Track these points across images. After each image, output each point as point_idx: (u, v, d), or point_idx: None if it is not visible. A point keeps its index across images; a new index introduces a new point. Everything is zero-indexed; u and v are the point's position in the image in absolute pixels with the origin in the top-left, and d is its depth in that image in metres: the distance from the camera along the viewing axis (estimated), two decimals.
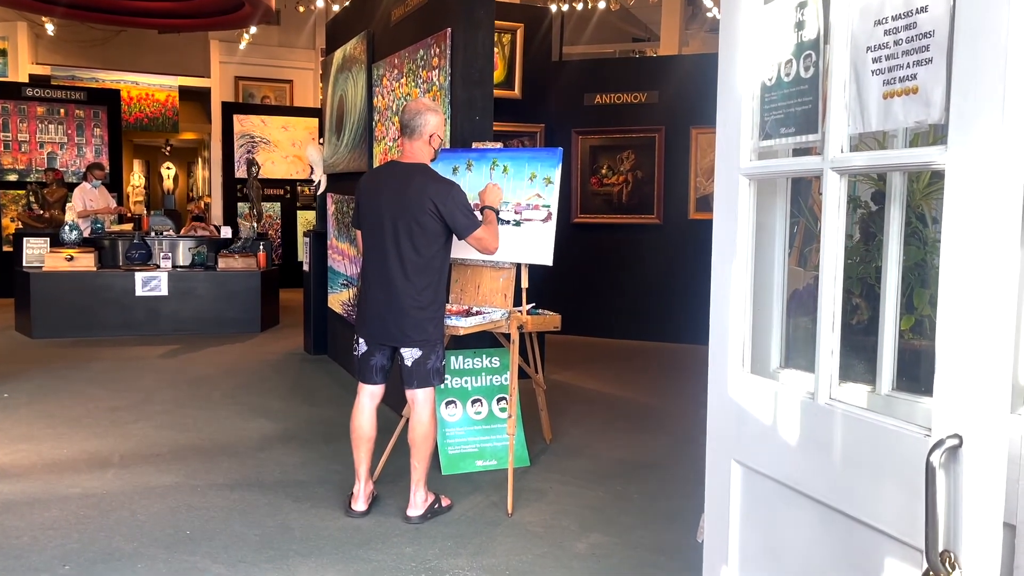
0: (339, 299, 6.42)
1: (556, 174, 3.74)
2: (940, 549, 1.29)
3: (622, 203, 8.00)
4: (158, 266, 7.95)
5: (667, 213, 7.85)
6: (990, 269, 1.23)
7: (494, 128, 4.43)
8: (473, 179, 3.93)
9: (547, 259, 3.73)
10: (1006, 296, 1.23)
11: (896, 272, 1.66)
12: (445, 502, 3.59)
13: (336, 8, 9.39)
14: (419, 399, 3.42)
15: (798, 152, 1.81)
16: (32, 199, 9.95)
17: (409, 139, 3.41)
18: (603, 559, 3.17)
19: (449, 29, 4.29)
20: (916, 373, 1.81)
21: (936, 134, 1.59)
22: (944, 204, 1.32)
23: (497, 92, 4.73)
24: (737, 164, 1.78)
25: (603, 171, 8.03)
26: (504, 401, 4.27)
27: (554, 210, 3.74)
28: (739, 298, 1.80)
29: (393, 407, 4.43)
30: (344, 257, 6.26)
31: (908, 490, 1.38)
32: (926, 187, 1.90)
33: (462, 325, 3.61)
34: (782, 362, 1.90)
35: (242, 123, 11.98)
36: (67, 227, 7.91)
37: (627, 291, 7.93)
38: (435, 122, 3.39)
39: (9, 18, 12.17)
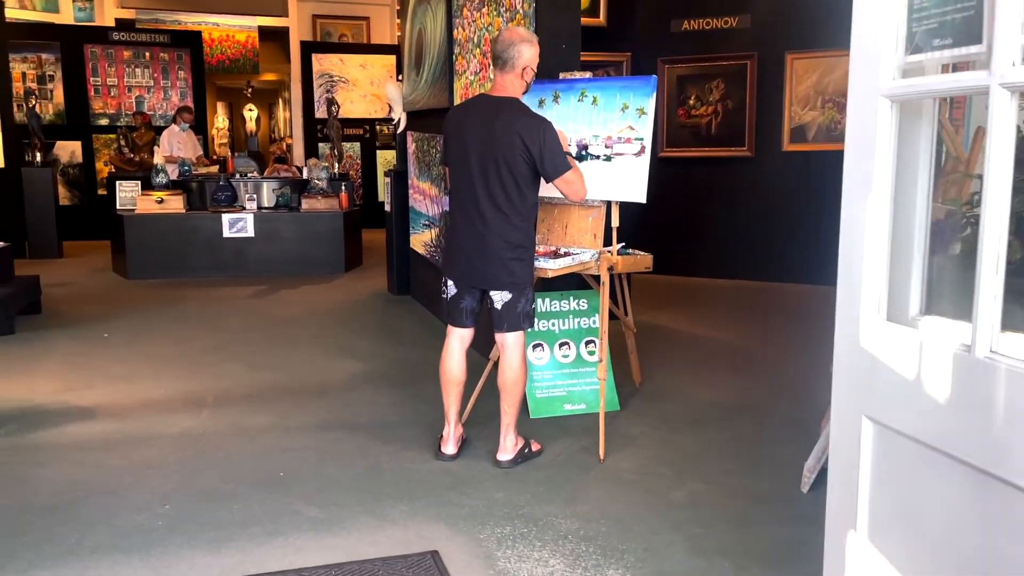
0: (421, 239, 6.36)
1: (650, 104, 3.52)
2: None
3: (711, 135, 7.65)
4: (244, 208, 8.04)
5: (759, 145, 7.47)
6: None
7: (580, 58, 4.20)
8: (560, 111, 3.73)
9: (640, 196, 3.53)
10: None
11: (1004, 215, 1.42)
12: (535, 447, 3.52)
13: None
14: (509, 343, 3.33)
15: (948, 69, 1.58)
16: (122, 143, 10.18)
17: (501, 71, 3.23)
18: (701, 508, 3.05)
19: None
20: None
21: None
22: None
23: (583, 20, 4.48)
24: (877, 84, 1.56)
25: (691, 102, 7.67)
26: (592, 344, 4.14)
27: (647, 143, 3.53)
28: (876, 238, 1.60)
29: (480, 350, 4.36)
30: (425, 197, 6.17)
31: None
32: None
33: (550, 267, 3.47)
34: (922, 308, 1.70)
35: (320, 62, 11.93)
36: (155, 170, 8.05)
37: (716, 228, 7.64)
38: (530, 54, 3.20)
39: None
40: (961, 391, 1.43)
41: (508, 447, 3.40)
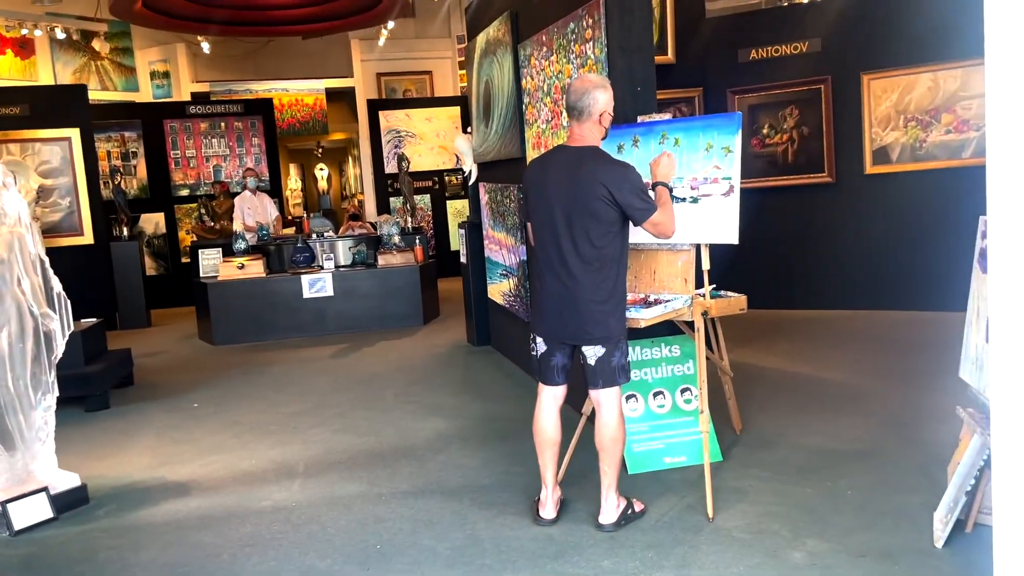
0: (499, 289, 6.29)
1: (736, 142, 3.38)
2: None
3: (788, 163, 7.43)
4: (322, 267, 8.13)
5: (840, 170, 7.21)
6: None
7: None
8: (640, 155, 3.62)
9: (733, 237, 3.38)
10: None
11: None
12: (638, 507, 3.35)
13: None
14: (604, 399, 3.19)
15: None
16: (203, 211, 10.49)
17: (578, 121, 3.14)
18: (826, 570, 2.83)
19: None
20: None
21: None
22: None
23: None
24: None
25: (764, 131, 7.48)
26: (688, 392, 3.96)
27: (736, 182, 3.38)
28: None
29: (572, 403, 4.22)
30: (501, 247, 6.11)
31: None
32: None
33: (643, 317, 3.33)
34: None
35: (387, 119, 12.14)
36: (235, 236, 8.24)
37: (802, 257, 7.37)
38: (605, 99, 3.11)
39: (169, 41, 12.89)
40: None
41: (610, 509, 3.24)
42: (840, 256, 7.22)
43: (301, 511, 3.65)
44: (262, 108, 11.69)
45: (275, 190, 11.52)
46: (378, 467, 4.15)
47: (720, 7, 11.77)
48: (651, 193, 3.18)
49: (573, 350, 3.24)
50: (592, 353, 3.14)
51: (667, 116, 3.70)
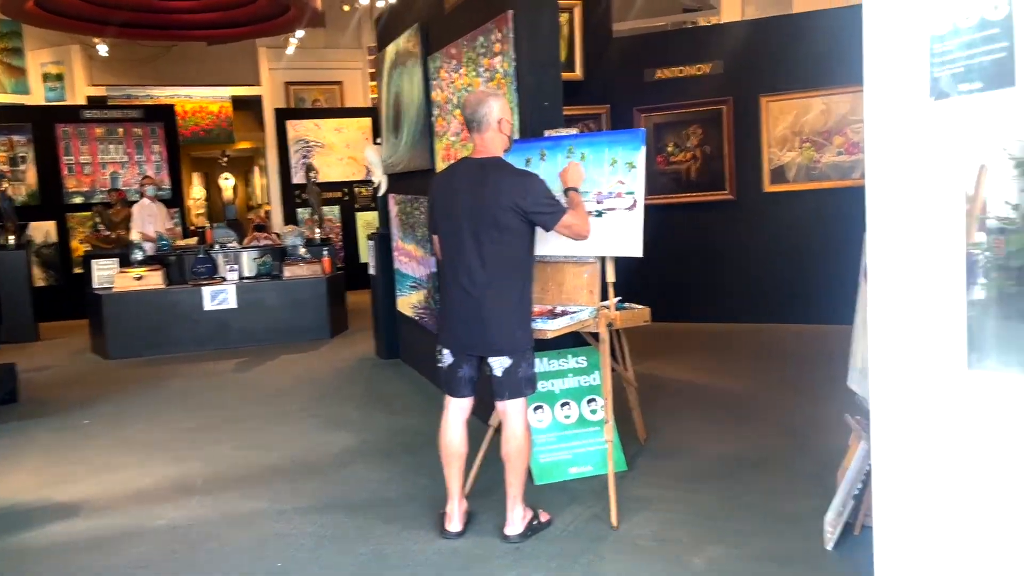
0: (409, 302, 6.24)
1: (639, 158, 3.46)
2: None
3: (691, 180, 7.65)
4: (224, 279, 7.89)
5: (740, 188, 7.48)
6: None
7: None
8: (547, 169, 3.65)
9: (637, 250, 3.45)
10: None
11: None
12: (544, 517, 3.36)
13: (381, 3, 9.21)
14: (511, 411, 3.19)
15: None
16: (98, 220, 10.03)
17: (478, 132, 3.16)
18: (725, 575, 2.90)
19: (511, 11, 4.03)
20: None
21: None
22: None
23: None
24: (905, 131, 1.49)
25: (669, 149, 7.69)
26: (594, 402, 4.02)
27: (640, 197, 3.46)
28: (917, 293, 1.51)
29: (479, 415, 4.22)
30: (411, 259, 6.07)
31: None
32: None
33: (550, 328, 3.36)
34: (967, 360, 1.60)
35: (295, 128, 11.93)
36: (133, 246, 7.91)
37: (703, 272, 7.59)
38: (499, 107, 3.14)
39: (63, 42, 12.31)
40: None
41: (516, 520, 3.24)
42: (740, 271, 7.48)
43: (199, 529, 3.51)
44: (163, 114, 11.31)
45: (176, 199, 11.13)
46: (280, 483, 4.04)
47: (628, 28, 12.08)
48: (562, 200, 3.22)
49: (480, 361, 3.24)
50: (499, 364, 3.15)
51: (574, 131, 3.76)
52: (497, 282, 3.09)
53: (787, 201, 7.30)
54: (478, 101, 3.15)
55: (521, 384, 3.17)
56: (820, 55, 6.98)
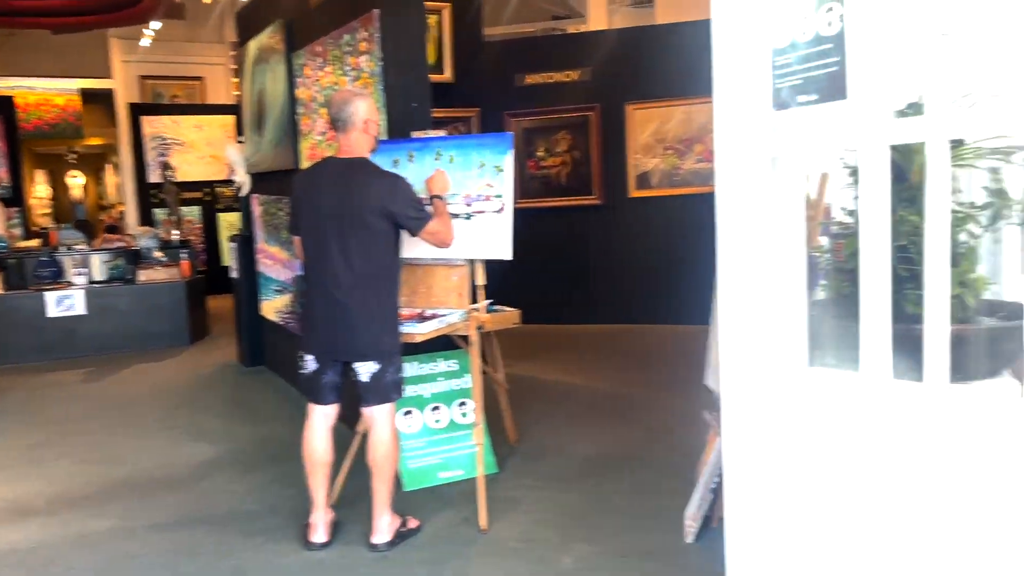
0: (273, 306, 6.03)
1: (507, 161, 3.48)
2: None
3: (561, 185, 7.78)
4: (71, 283, 7.38)
5: (607, 193, 7.67)
6: None
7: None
8: (415, 171, 3.62)
9: (506, 253, 3.46)
10: None
11: (943, 253, 1.45)
12: (413, 523, 3.32)
13: None
14: (378, 416, 3.13)
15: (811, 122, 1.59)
16: None
17: (343, 132, 3.09)
18: (591, 572, 2.95)
19: (376, 11, 3.96)
20: (959, 361, 1.63)
21: None
22: None
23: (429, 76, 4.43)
24: (748, 141, 1.56)
25: (539, 153, 7.79)
26: (465, 405, 4.00)
27: (508, 200, 3.47)
28: (761, 294, 1.58)
29: (346, 421, 4.12)
30: (276, 262, 5.87)
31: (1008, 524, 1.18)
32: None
33: (418, 332, 3.33)
34: (808, 359, 1.69)
35: (152, 124, 11.32)
36: None
37: (575, 275, 7.73)
38: (366, 107, 3.08)
39: None
40: (860, 442, 1.40)
41: (383, 528, 3.18)
42: (608, 274, 7.66)
43: (41, 553, 3.26)
44: (1, 107, 10.47)
45: (17, 198, 10.34)
46: (132, 499, 3.81)
47: (499, 32, 12.18)
48: (428, 208, 3.19)
49: (345, 367, 3.16)
50: (365, 369, 3.08)
51: (442, 133, 3.74)
52: (363, 285, 3.03)
53: (651, 206, 7.54)
54: (343, 100, 3.08)
55: (388, 389, 3.12)
56: (681, 65, 7.25)
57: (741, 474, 1.68)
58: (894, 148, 1.72)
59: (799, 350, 1.67)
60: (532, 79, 7.70)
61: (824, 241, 2.44)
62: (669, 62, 7.34)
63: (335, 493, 3.52)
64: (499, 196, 3.49)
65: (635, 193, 7.62)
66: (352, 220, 3.00)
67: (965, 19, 1.16)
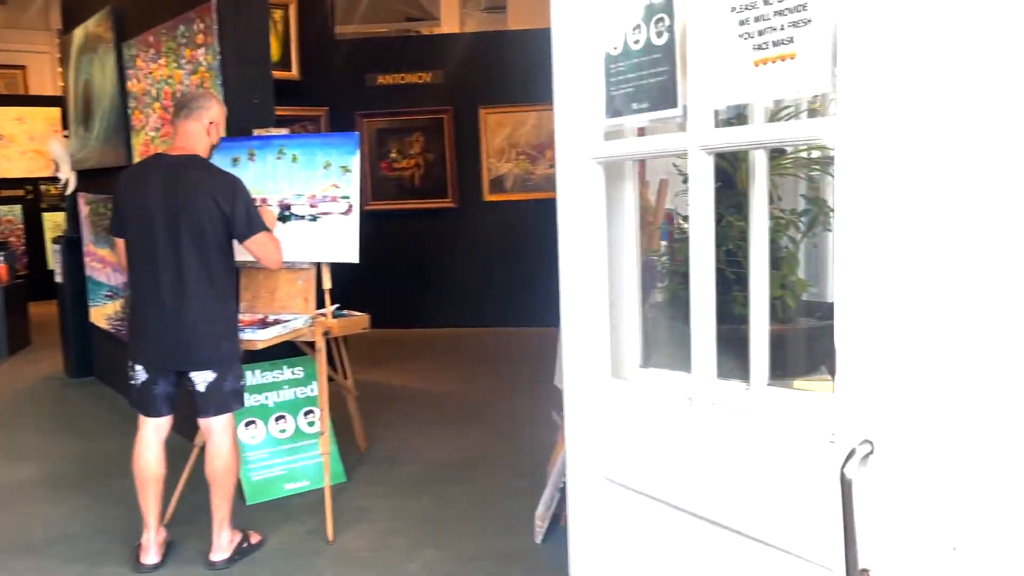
0: (103, 313, 5.63)
1: (354, 161, 3.40)
2: (859, 569, 1.17)
3: (415, 187, 7.72)
4: None
5: (462, 196, 7.67)
6: (890, 256, 1.10)
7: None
8: (257, 170, 3.48)
9: (352, 256, 3.38)
10: (916, 282, 1.10)
11: (765, 256, 1.52)
12: (254, 538, 3.17)
13: None
14: (216, 428, 2.97)
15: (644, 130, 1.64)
16: None
17: (185, 119, 2.94)
18: None
19: (214, 1, 3.77)
20: (779, 359, 1.71)
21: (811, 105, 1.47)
22: (835, 185, 1.18)
23: (274, 73, 4.26)
24: (584, 147, 1.58)
25: (392, 155, 7.70)
26: (312, 414, 3.88)
27: (355, 201, 3.39)
28: (598, 298, 1.60)
29: (183, 433, 3.89)
30: (106, 265, 5.49)
31: (811, 502, 1.24)
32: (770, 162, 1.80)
33: (259, 338, 3.18)
34: (643, 361, 1.73)
35: None
36: None
37: (428, 278, 7.69)
38: (218, 111, 3.00)
39: None
40: (687, 444, 1.45)
41: (223, 545, 3.02)
42: (462, 277, 7.67)
43: None
44: None
45: None
46: None
47: (351, 31, 11.96)
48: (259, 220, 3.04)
49: (179, 376, 2.98)
50: (202, 379, 2.91)
51: (285, 132, 3.60)
52: (197, 290, 2.86)
53: (506, 210, 7.61)
54: (200, 94, 3.05)
55: (227, 399, 2.97)
56: (534, 71, 7.34)
57: (581, 474, 1.70)
58: (723, 156, 1.80)
59: (633, 351, 1.71)
60: (384, 80, 7.60)
61: (664, 245, 2.53)
62: (522, 68, 7.43)
63: (170, 510, 3.32)
64: (346, 197, 3.40)
65: (490, 197, 7.66)
66: (187, 220, 2.83)
67: (789, 37, 1.22)
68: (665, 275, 2.21)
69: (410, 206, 7.68)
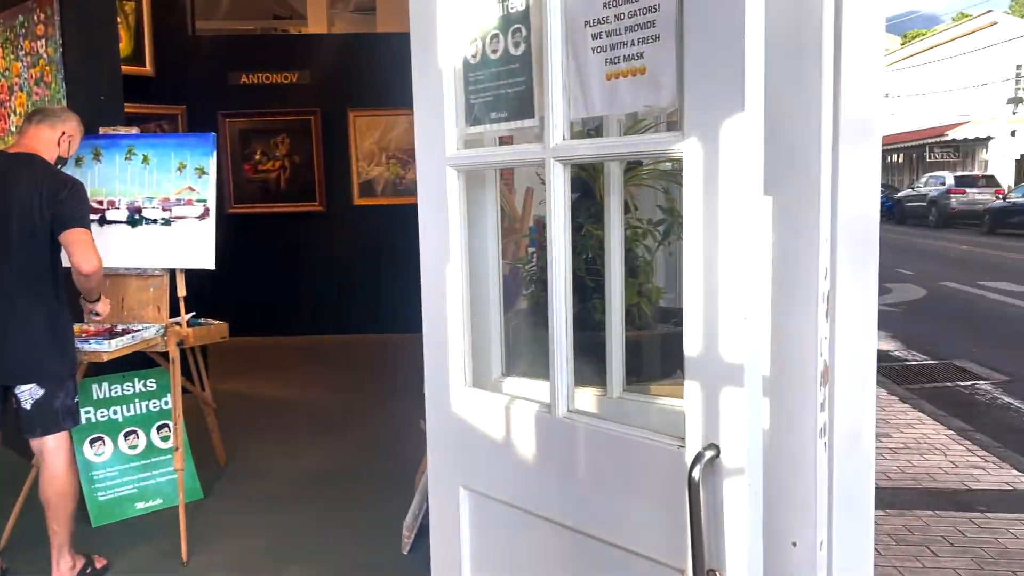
0: None
1: (211, 163, 3.25)
2: (706, 568, 1.21)
3: (281, 190, 7.49)
4: None
5: (330, 200, 7.51)
6: (734, 266, 1.15)
7: (125, 110, 3.76)
8: (104, 171, 3.27)
9: (209, 262, 3.23)
10: (751, 294, 1.15)
11: (619, 266, 1.56)
12: (100, 563, 2.97)
13: None
14: (49, 448, 2.75)
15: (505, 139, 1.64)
16: None
17: (38, 124, 2.80)
18: None
19: None
20: (636, 365, 1.76)
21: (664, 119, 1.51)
22: (684, 195, 1.21)
23: (124, 68, 4.03)
24: (443, 154, 1.56)
25: (257, 156, 7.44)
26: (166, 429, 3.68)
27: (212, 205, 3.25)
28: (456, 305, 1.59)
29: (20, 450, 3.60)
30: None
31: (663, 506, 1.27)
32: (625, 173, 1.85)
33: (105, 349, 2.99)
34: (504, 369, 1.73)
35: None
36: None
37: (295, 284, 7.47)
38: (75, 126, 2.89)
39: None
40: (546, 453, 1.46)
41: (63, 571, 2.81)
42: (330, 283, 7.49)
43: None
44: None
45: None
46: None
47: (214, 28, 11.49)
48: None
49: (5, 391, 2.75)
50: (28, 394, 2.70)
51: (134, 131, 3.41)
52: (30, 296, 2.65)
53: (376, 214, 7.50)
54: (63, 109, 3.04)
55: (58, 417, 2.75)
56: (404, 74, 7.24)
57: (442, 483, 1.69)
58: (582, 167, 1.83)
59: (496, 359, 1.71)
60: (248, 79, 7.34)
61: (532, 253, 2.56)
62: (392, 71, 7.29)
63: (5, 536, 3.07)
64: (202, 200, 3.25)
65: (359, 201, 7.53)
66: (22, 221, 2.63)
67: (640, 52, 1.25)
68: (531, 282, 2.24)
69: (276, 209, 7.44)
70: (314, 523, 3.42)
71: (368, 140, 7.52)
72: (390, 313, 7.33)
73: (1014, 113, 28.07)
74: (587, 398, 1.60)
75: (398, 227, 7.34)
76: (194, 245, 3.24)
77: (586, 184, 1.95)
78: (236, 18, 12.16)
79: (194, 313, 3.46)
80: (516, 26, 1.44)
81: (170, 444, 3.63)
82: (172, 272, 3.32)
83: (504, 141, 1.68)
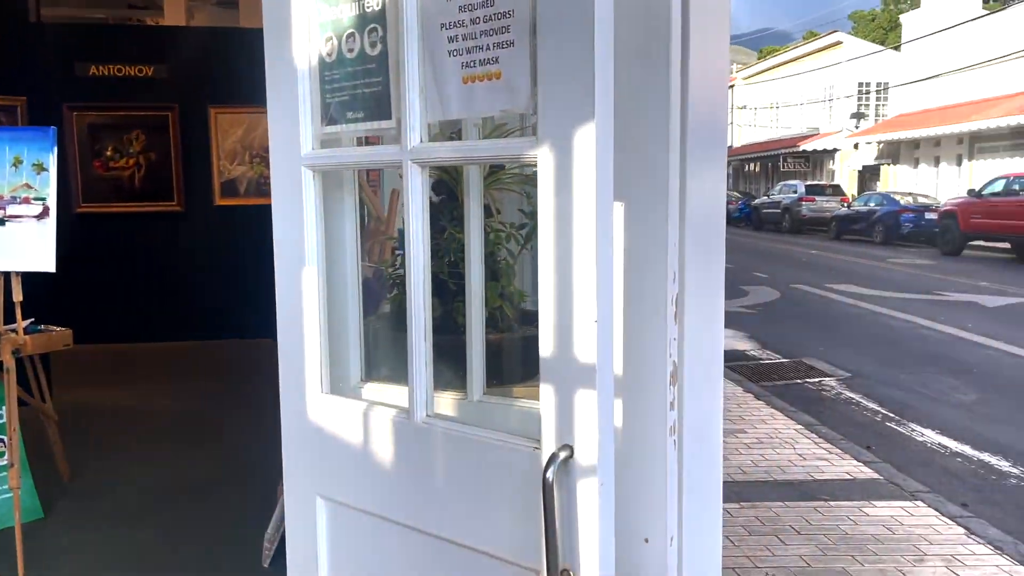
0: None
1: (51, 159, 3.03)
2: (560, 568, 1.22)
3: (135, 189, 7.09)
4: None
5: (189, 199, 7.17)
6: (586, 270, 1.17)
7: None
8: None
9: (48, 264, 3.01)
10: (602, 297, 1.17)
11: (479, 269, 1.56)
12: None
13: None
14: None
15: (363, 140, 1.61)
16: None
17: None
18: None
19: None
20: (498, 367, 1.76)
21: (521, 124, 1.52)
22: (538, 199, 1.23)
23: None
24: (298, 154, 1.51)
25: (108, 153, 7.01)
26: (0, 444, 3.40)
27: (53, 203, 3.03)
28: (311, 310, 1.55)
29: None
30: None
31: (520, 508, 1.28)
32: (487, 177, 1.85)
33: None
34: (363, 375, 1.69)
35: None
36: None
37: (149, 288, 7.08)
38: None
39: None
40: (405, 459, 1.44)
41: None
42: (188, 286, 7.15)
43: None
44: None
45: None
46: None
47: (62, 15, 10.77)
48: None
49: None
50: None
51: None
52: None
53: (239, 215, 7.22)
54: None
55: None
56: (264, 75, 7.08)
57: (297, 493, 1.64)
58: (445, 170, 1.83)
59: (355, 364, 1.67)
60: (97, 70, 6.91)
61: (400, 255, 2.52)
62: (255, 67, 7.02)
63: None
64: (41, 199, 3.03)
65: (221, 201, 7.23)
66: None
67: (495, 57, 1.25)
68: (394, 286, 2.21)
69: (130, 209, 7.04)
70: (167, 538, 3.25)
71: (231, 138, 7.24)
72: (255, 317, 7.07)
73: (856, 127, 30.27)
74: (447, 402, 1.59)
75: (261, 228, 7.07)
76: (32, 246, 3.01)
77: (449, 187, 1.94)
78: (87, 6, 11.46)
79: (32, 319, 3.22)
80: (372, 25, 1.42)
81: (4, 461, 3.36)
82: (7, 275, 3.07)
83: (372, 142, 1.65)
